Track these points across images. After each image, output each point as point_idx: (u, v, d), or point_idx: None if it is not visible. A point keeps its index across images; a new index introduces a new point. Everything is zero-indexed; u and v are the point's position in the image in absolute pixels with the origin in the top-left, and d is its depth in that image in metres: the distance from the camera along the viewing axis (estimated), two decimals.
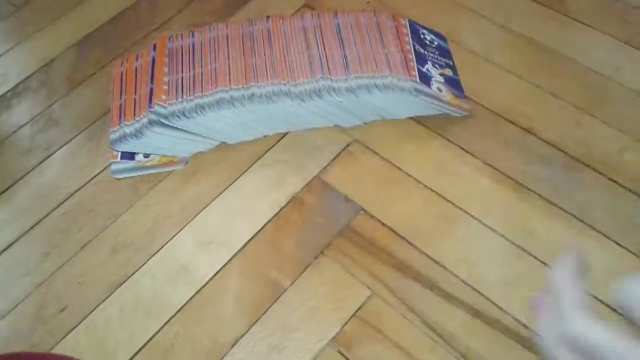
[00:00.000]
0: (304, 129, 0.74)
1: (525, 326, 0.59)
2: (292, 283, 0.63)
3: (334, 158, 0.72)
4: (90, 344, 0.60)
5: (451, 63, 0.77)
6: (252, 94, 0.68)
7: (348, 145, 0.72)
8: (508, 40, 0.81)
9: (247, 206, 0.69)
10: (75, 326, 0.62)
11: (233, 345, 0.59)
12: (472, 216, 0.66)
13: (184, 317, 0.61)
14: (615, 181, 0.67)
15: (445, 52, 0.78)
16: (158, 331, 0.61)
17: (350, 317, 0.60)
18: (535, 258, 0.63)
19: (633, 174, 0.67)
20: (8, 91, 0.82)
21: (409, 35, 0.75)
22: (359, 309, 0.61)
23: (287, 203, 0.68)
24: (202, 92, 0.69)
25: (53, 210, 0.71)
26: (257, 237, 0.66)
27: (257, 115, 0.70)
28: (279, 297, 0.62)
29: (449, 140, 0.72)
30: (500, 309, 0.60)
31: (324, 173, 0.71)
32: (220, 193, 0.70)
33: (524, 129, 0.72)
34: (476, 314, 0.60)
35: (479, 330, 0.59)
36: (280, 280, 0.63)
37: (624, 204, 0.66)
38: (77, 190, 0.72)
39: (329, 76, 0.69)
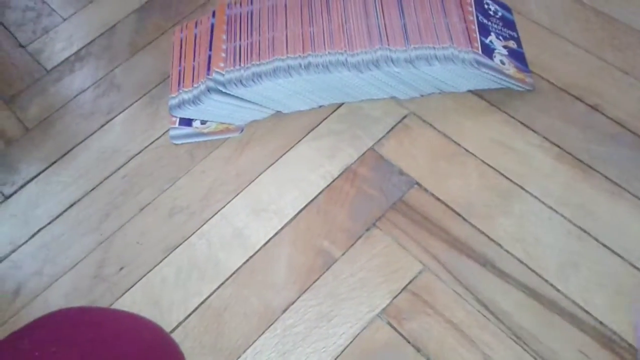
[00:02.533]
0: (360, 100, 0.73)
1: (583, 309, 0.57)
2: (343, 254, 0.63)
3: (390, 130, 0.71)
4: (146, 303, 0.63)
5: (515, 35, 0.74)
6: (309, 63, 0.68)
7: (404, 117, 0.71)
8: (576, 12, 0.77)
9: (300, 176, 0.69)
10: (133, 285, 0.64)
11: (284, 311, 0.60)
12: (531, 194, 0.64)
13: (237, 281, 0.63)
14: None
15: (509, 24, 0.75)
16: (212, 294, 0.62)
17: (401, 290, 0.60)
18: (596, 240, 0.61)
19: None
20: (71, 55, 0.84)
21: (472, 5, 0.72)
22: (410, 282, 0.61)
23: (340, 174, 0.68)
24: (259, 60, 0.69)
25: (113, 173, 0.73)
26: (309, 206, 0.66)
27: (313, 84, 0.69)
28: (330, 266, 0.62)
29: (509, 115, 0.70)
30: (558, 290, 0.58)
31: (378, 145, 0.70)
32: (274, 162, 0.70)
33: (590, 106, 0.69)
34: (532, 293, 0.58)
35: (533, 311, 0.58)
36: (331, 251, 0.63)
37: None
38: (136, 154, 0.74)
39: (387, 46, 0.67)
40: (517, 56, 0.72)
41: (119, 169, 0.73)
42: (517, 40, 0.74)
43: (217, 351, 0.59)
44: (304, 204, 0.67)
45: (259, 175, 0.70)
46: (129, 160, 0.73)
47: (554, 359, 0.55)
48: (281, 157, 0.71)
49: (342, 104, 0.73)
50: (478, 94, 0.72)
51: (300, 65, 0.68)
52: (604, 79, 0.71)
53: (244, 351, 0.58)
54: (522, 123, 0.69)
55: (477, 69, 0.67)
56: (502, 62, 0.69)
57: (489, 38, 0.71)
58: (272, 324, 0.59)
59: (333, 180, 0.68)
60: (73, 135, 0.77)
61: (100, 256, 0.67)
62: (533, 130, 0.68)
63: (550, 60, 0.73)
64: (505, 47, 0.71)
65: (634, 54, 0.72)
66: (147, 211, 0.69)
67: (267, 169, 0.70)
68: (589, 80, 0.71)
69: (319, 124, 0.72)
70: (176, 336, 0.60)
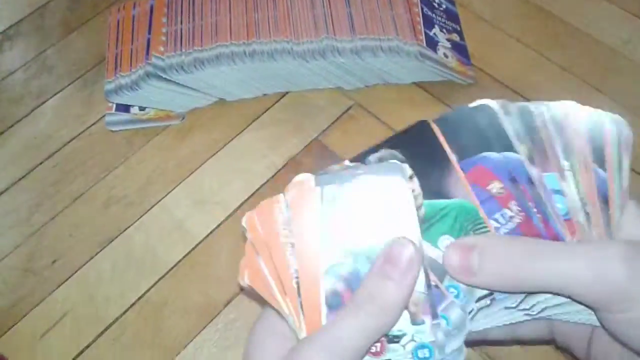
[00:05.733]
0: (304, 89, 0.72)
1: None
2: None
3: (335, 121, 0.70)
4: (81, 298, 0.60)
5: (458, 28, 0.75)
6: (254, 51, 0.66)
7: (349, 108, 0.71)
8: (518, 7, 0.78)
9: (243, 166, 0.67)
10: (66, 279, 0.61)
11: (226, 305, 0.59)
12: None
13: (178, 275, 0.61)
14: None
15: (452, 16, 0.76)
16: (151, 287, 0.60)
17: None
18: None
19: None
20: None
21: None
22: None
23: (285, 165, 0.67)
24: (201, 45, 0.67)
25: (44, 160, 0.69)
26: (252, 198, 0.65)
27: (258, 72, 0.68)
28: None
29: (451, 108, 0.71)
30: None
31: (323, 135, 0.69)
32: (217, 151, 0.69)
33: (529, 100, 0.71)
34: None
35: None
36: None
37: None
38: (69, 141, 0.70)
39: (333, 36, 0.67)
40: (459, 49, 0.72)
41: (50, 156, 0.69)
42: (460, 33, 0.75)
43: (156, 347, 0.57)
44: (247, 196, 0.65)
45: (201, 165, 0.68)
46: (61, 148, 0.70)
47: None
48: (224, 146, 0.69)
49: (287, 92, 0.72)
50: (421, 85, 0.72)
51: (245, 53, 0.66)
52: (543, 74, 0.73)
53: (185, 346, 0.57)
54: None
55: (421, 62, 0.67)
56: (446, 55, 0.70)
57: (433, 30, 0.71)
58: (213, 319, 0.58)
59: (277, 171, 0.67)
60: (0, 121, 0.72)
61: (30, 249, 0.63)
62: None
63: (491, 54, 0.74)
64: (448, 39, 0.72)
65: (573, 51, 0.74)
66: (81, 202, 0.66)
67: (209, 158, 0.68)
68: (528, 74, 0.73)
69: (263, 113, 0.71)
70: (113, 332, 0.58)
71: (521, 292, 0.31)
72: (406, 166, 0.34)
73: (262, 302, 0.34)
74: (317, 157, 0.68)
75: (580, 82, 0.71)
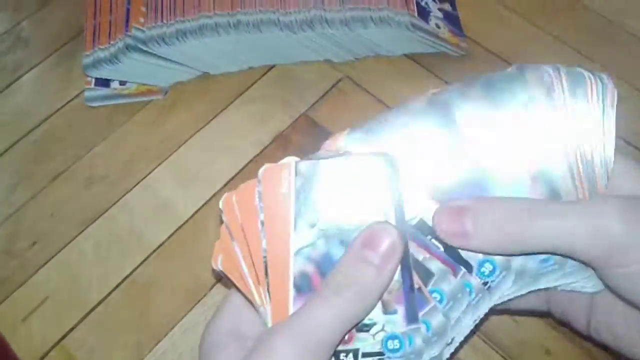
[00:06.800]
0: (292, 62, 0.69)
1: None
2: None
3: (323, 95, 0.68)
4: (63, 280, 0.58)
5: None
6: (238, 22, 0.64)
7: (338, 81, 0.69)
8: None
9: (229, 143, 0.65)
10: (48, 261, 0.59)
11: (214, 286, 0.57)
12: None
13: (164, 255, 0.59)
14: None
15: None
16: (136, 268, 0.58)
17: None
18: None
19: (631, 127, 0.65)
20: None
21: None
22: None
23: (272, 141, 0.65)
24: (183, 16, 0.64)
25: (22, 138, 0.66)
26: (239, 175, 0.63)
27: (243, 44, 0.65)
28: None
29: (443, 81, 0.69)
30: None
31: (312, 110, 0.67)
32: (202, 127, 0.66)
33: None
34: None
35: None
36: None
37: None
38: (47, 118, 0.68)
39: (322, 5, 0.64)
40: (451, 19, 0.70)
41: (28, 133, 0.66)
42: (452, 3, 0.72)
43: (143, 328, 0.56)
44: (234, 173, 0.63)
45: (186, 142, 0.66)
46: (39, 124, 0.67)
47: None
48: (209, 122, 0.67)
49: (273, 66, 0.70)
50: (413, 58, 0.70)
51: (229, 24, 0.64)
52: (537, 45, 0.71)
53: (172, 328, 0.56)
54: None
55: (412, 32, 0.65)
56: (437, 26, 0.68)
57: (425, 0, 0.68)
58: (200, 300, 0.57)
59: (264, 148, 0.65)
60: None
61: (10, 230, 0.61)
62: None
63: (484, 24, 0.72)
64: (440, 9, 0.70)
65: (567, 21, 0.72)
66: (61, 180, 0.63)
67: (194, 135, 0.66)
68: (522, 46, 0.71)
69: (249, 88, 0.69)
70: (97, 314, 0.56)
71: (518, 254, 0.30)
72: (390, 154, 0.33)
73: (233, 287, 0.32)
74: (305, 133, 0.66)
75: (573, 53, 0.70)
